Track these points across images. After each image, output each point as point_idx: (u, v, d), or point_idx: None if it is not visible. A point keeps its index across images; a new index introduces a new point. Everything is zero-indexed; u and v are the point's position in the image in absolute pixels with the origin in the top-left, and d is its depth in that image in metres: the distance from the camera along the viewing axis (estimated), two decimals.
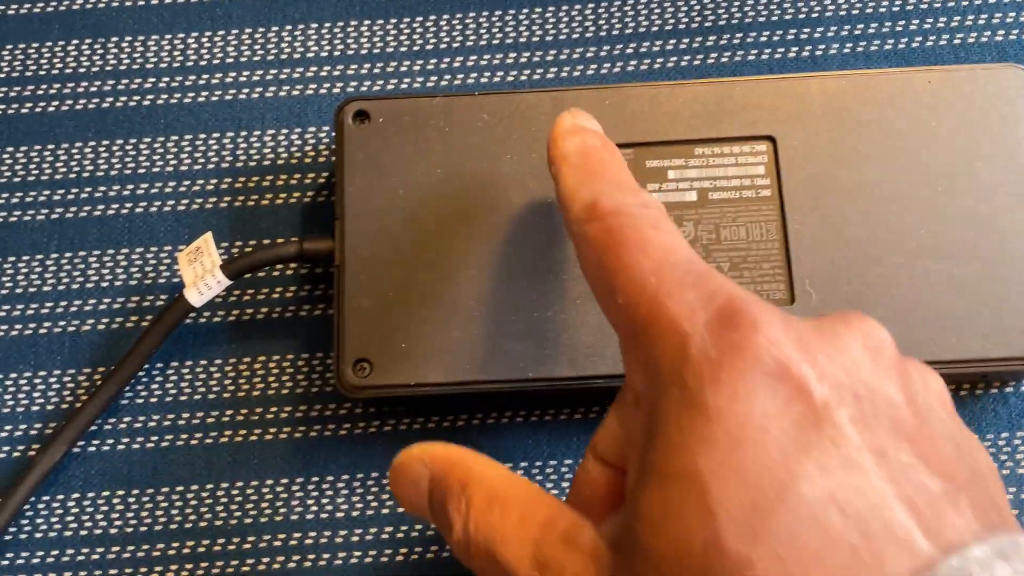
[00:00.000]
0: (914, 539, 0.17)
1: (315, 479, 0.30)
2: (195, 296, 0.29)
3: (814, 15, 0.34)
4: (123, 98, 0.34)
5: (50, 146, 0.34)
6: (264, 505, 0.30)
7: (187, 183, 0.33)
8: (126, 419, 0.31)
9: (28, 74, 0.34)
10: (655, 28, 0.34)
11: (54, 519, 0.30)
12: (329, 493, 0.30)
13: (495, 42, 0.34)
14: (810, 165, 0.29)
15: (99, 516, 0.30)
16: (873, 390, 0.18)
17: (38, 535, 0.30)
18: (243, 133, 0.34)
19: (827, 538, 0.17)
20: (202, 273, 0.29)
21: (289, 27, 0.35)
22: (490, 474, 0.22)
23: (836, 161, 0.29)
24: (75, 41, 0.35)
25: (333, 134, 0.31)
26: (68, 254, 0.32)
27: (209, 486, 0.30)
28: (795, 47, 0.34)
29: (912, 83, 0.30)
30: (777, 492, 0.17)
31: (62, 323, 0.32)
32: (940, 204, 0.29)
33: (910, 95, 0.29)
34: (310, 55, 0.34)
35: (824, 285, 0.28)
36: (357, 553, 0.30)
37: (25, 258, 0.32)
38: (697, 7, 0.34)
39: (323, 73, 0.34)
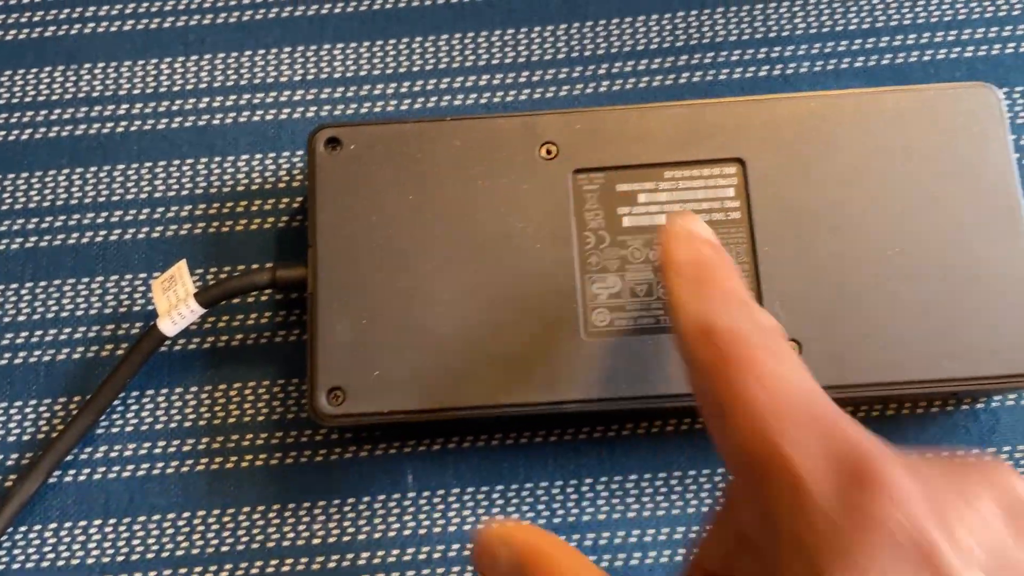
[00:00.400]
0: None
1: (292, 506, 0.30)
2: (168, 326, 0.29)
3: (784, 33, 0.34)
4: (96, 125, 0.34)
5: (23, 174, 0.34)
6: (241, 533, 0.30)
7: (161, 210, 0.33)
8: (102, 448, 0.31)
9: (1, 102, 0.34)
10: (627, 48, 0.34)
11: (31, 550, 0.30)
12: (306, 520, 0.30)
13: (468, 64, 0.34)
14: (779, 187, 0.29)
15: (76, 546, 0.30)
16: (1011, 563, 0.17)
17: (15, 566, 0.30)
18: (217, 159, 0.34)
19: None
20: (176, 302, 0.29)
21: (263, 51, 0.35)
22: (573, 566, 0.21)
23: (805, 183, 0.29)
24: (48, 68, 0.35)
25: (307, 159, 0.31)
26: (43, 283, 0.32)
27: (186, 514, 0.30)
28: (766, 66, 0.34)
29: (881, 103, 0.30)
30: None
31: (37, 352, 0.32)
32: (909, 225, 0.29)
33: (879, 115, 0.30)
34: (284, 79, 0.34)
35: (794, 307, 0.28)
36: None
37: None
38: (669, 27, 0.34)
39: (297, 97, 0.34)
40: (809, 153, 0.29)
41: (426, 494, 0.30)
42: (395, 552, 0.30)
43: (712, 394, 0.20)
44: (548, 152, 0.30)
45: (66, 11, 0.35)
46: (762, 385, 0.19)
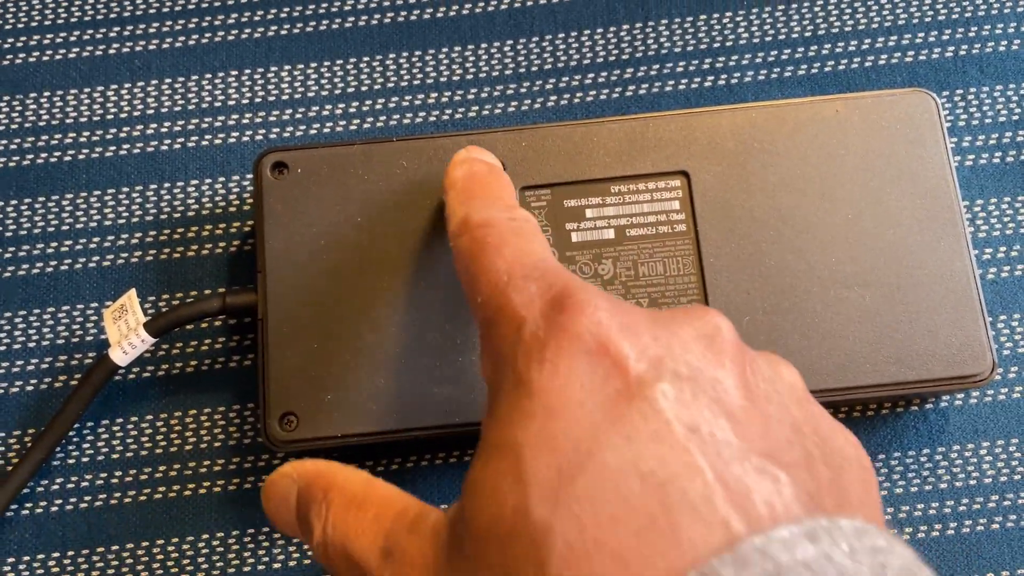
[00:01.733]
0: (716, 512, 0.17)
1: (251, 531, 0.30)
2: (120, 356, 0.29)
3: (728, 43, 0.34)
4: (43, 155, 0.34)
5: None
6: (201, 560, 0.30)
7: (111, 238, 0.33)
8: (58, 480, 0.31)
9: None
10: (573, 63, 0.34)
11: None
12: (266, 544, 0.30)
13: (415, 83, 0.34)
14: (723, 198, 0.30)
15: None
16: (699, 371, 0.19)
17: None
18: (166, 184, 0.33)
19: (626, 504, 0.17)
20: (126, 332, 0.29)
21: (209, 75, 0.35)
22: (352, 478, 0.23)
23: (748, 193, 0.29)
24: None
25: None
26: None
27: (145, 544, 0.30)
28: (711, 76, 0.34)
29: (821, 112, 0.30)
30: (582, 460, 0.18)
31: None
32: (851, 232, 0.29)
33: (819, 124, 0.30)
34: (231, 103, 0.34)
35: (741, 316, 0.29)
36: None
37: None
38: (614, 40, 0.35)
39: (245, 120, 0.34)
40: (752, 163, 0.30)
41: None
42: None
43: (467, 273, 0.23)
44: None
45: (10, 41, 0.35)
46: (502, 256, 0.22)
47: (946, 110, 0.34)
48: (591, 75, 0.34)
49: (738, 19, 0.35)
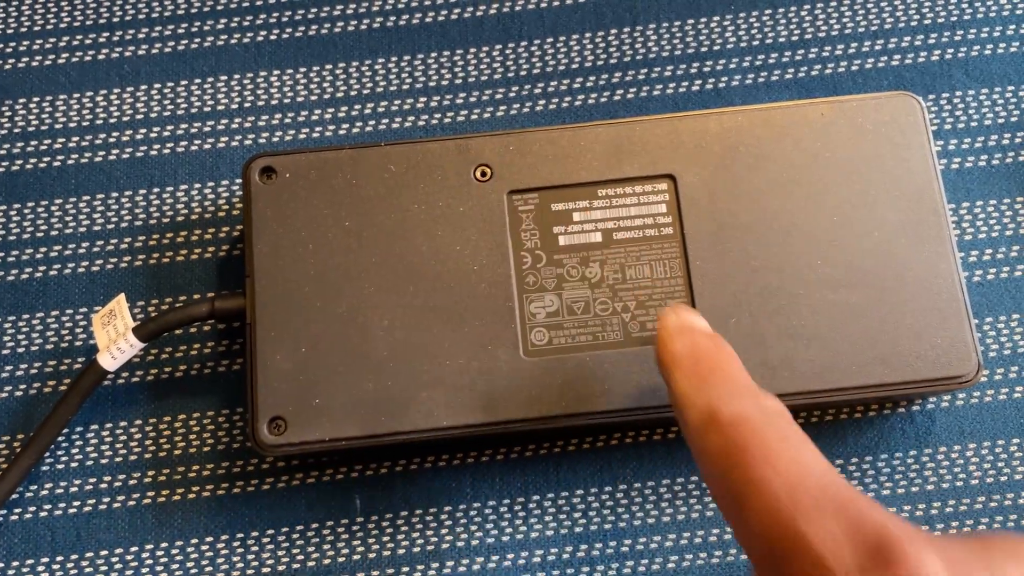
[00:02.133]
0: None
1: (240, 535, 0.30)
2: (108, 361, 0.29)
3: (716, 47, 0.35)
4: (33, 160, 0.34)
5: None
6: (190, 565, 0.30)
7: (100, 243, 0.33)
8: (47, 485, 0.31)
9: None
10: (562, 67, 0.35)
11: None
12: (255, 549, 0.30)
13: (405, 87, 0.35)
14: (709, 201, 0.30)
15: None
16: None
17: None
18: (156, 190, 0.34)
19: None
20: (115, 337, 0.29)
21: (198, 80, 0.35)
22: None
23: (735, 196, 0.30)
24: None
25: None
26: None
27: (134, 549, 0.30)
28: (699, 80, 0.34)
29: (806, 115, 0.30)
30: None
31: None
32: (837, 234, 0.29)
33: (805, 127, 0.30)
34: (220, 107, 0.34)
35: (727, 319, 0.29)
36: None
37: None
38: (602, 45, 0.35)
39: (234, 125, 0.34)
40: (738, 167, 0.30)
41: (374, 518, 0.30)
42: None
43: (725, 482, 0.20)
44: (483, 174, 0.30)
45: None
46: (775, 469, 0.19)
47: (932, 113, 0.34)
48: (580, 79, 0.34)
49: (725, 23, 0.35)
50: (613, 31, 0.35)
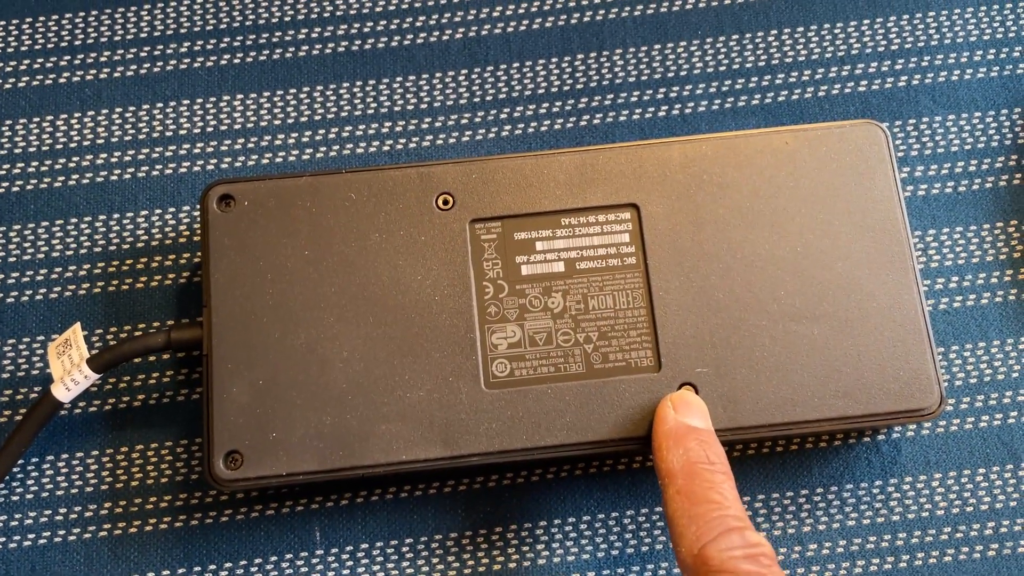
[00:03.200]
0: None
1: (197, 569, 0.30)
2: (63, 392, 0.29)
3: (683, 73, 0.34)
4: None
5: None
6: None
7: (59, 270, 0.32)
8: (1, 518, 0.30)
9: None
10: (528, 92, 0.34)
11: None
12: None
13: (370, 111, 0.34)
14: (673, 231, 0.29)
15: None
16: None
17: None
18: (116, 215, 0.33)
19: None
20: (70, 368, 0.29)
21: (160, 104, 0.34)
22: None
23: (698, 226, 0.29)
24: None
25: None
26: None
27: None
28: (665, 106, 0.34)
29: (771, 144, 0.30)
30: None
31: None
32: (800, 265, 0.29)
33: (769, 156, 0.30)
34: (182, 132, 0.34)
35: (690, 351, 0.28)
36: None
37: None
38: (569, 70, 0.34)
39: (196, 150, 0.34)
40: (702, 196, 0.30)
41: (334, 551, 0.30)
42: None
43: None
44: (445, 202, 0.30)
45: None
46: None
47: (899, 140, 0.34)
48: (545, 105, 0.34)
49: (692, 49, 0.35)
50: (580, 56, 0.35)
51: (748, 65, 0.34)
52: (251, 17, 0.35)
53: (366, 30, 0.35)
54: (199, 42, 0.35)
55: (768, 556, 0.24)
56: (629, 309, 0.29)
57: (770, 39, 0.35)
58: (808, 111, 0.34)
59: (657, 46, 0.35)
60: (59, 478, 0.31)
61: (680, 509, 0.25)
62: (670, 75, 0.34)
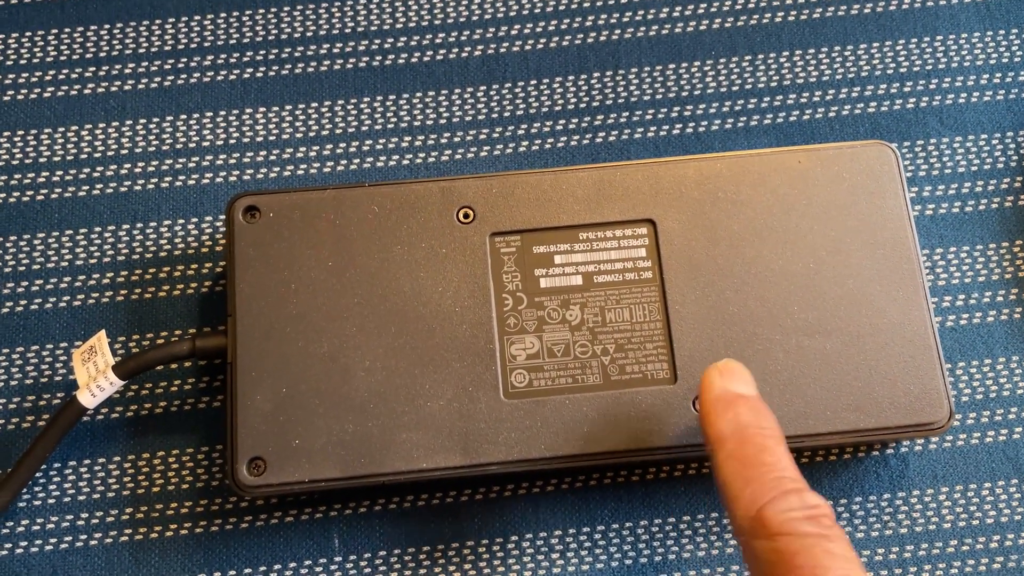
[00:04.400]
0: None
1: (217, 574, 0.30)
2: (88, 398, 0.29)
3: (696, 92, 0.35)
4: (16, 193, 0.34)
5: None
6: None
7: (83, 278, 0.33)
8: (24, 522, 0.31)
9: None
10: (545, 109, 0.35)
11: None
12: None
13: (390, 126, 0.35)
14: (688, 246, 0.30)
15: None
16: None
17: None
18: (139, 225, 0.34)
19: None
20: (95, 374, 0.29)
21: (184, 116, 0.35)
22: None
23: (713, 241, 0.30)
24: None
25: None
26: None
27: None
28: (679, 124, 0.35)
29: (784, 163, 0.31)
30: None
31: None
32: (812, 281, 0.30)
33: (782, 174, 0.31)
34: (206, 144, 0.35)
35: (705, 363, 0.29)
36: None
37: None
38: (585, 88, 0.35)
39: (219, 161, 0.34)
40: (716, 212, 0.30)
41: (352, 557, 0.30)
42: None
43: None
44: (465, 216, 0.31)
45: None
46: None
47: (907, 160, 0.34)
48: (562, 121, 0.35)
49: (706, 68, 0.35)
50: (596, 75, 0.35)
51: (760, 85, 0.35)
52: (274, 32, 0.36)
53: (387, 46, 0.36)
54: (223, 55, 0.35)
55: (828, 517, 0.23)
56: (646, 322, 0.30)
57: (782, 60, 0.36)
58: (819, 131, 0.35)
59: (672, 66, 0.35)
60: (81, 483, 0.31)
61: (734, 472, 0.24)
62: (684, 94, 0.35)
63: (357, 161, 0.34)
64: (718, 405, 0.25)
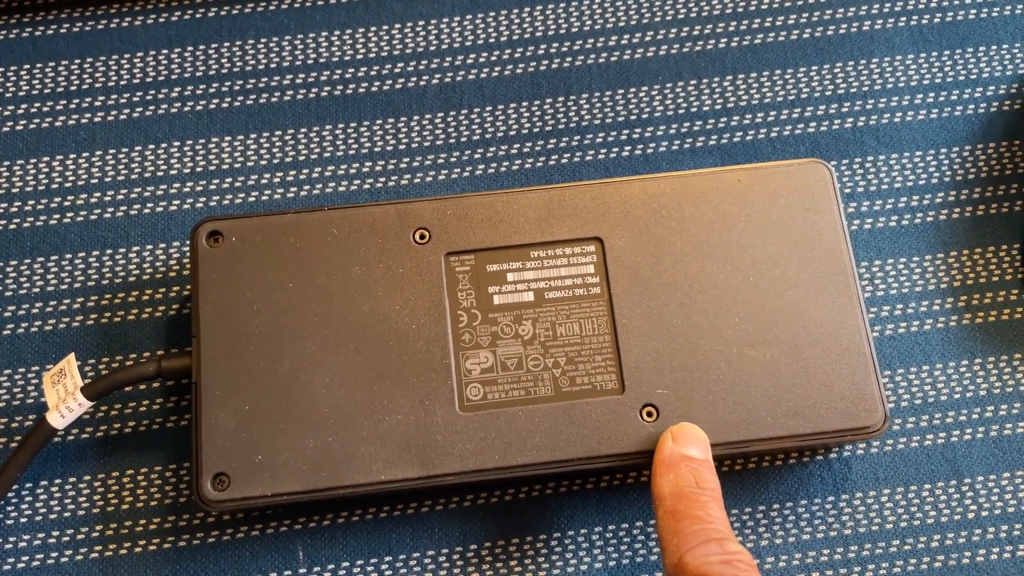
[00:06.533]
0: None
1: None
2: (58, 419, 0.30)
3: (644, 115, 0.37)
4: None
5: None
6: None
7: (53, 303, 0.34)
8: None
9: None
10: (500, 134, 0.37)
11: None
12: None
13: (351, 152, 0.36)
14: (635, 262, 0.32)
15: None
16: None
17: None
18: (108, 251, 0.35)
19: None
20: (64, 396, 0.30)
21: (152, 146, 0.36)
22: None
23: (658, 257, 0.32)
24: None
25: None
26: None
27: None
28: (628, 146, 0.36)
29: (724, 181, 0.33)
30: None
31: None
32: (752, 293, 0.31)
33: (723, 193, 0.32)
34: (173, 172, 0.36)
35: (651, 374, 0.30)
36: None
37: None
38: (538, 113, 0.37)
39: (186, 189, 0.36)
40: (661, 230, 0.32)
41: (317, 569, 0.31)
42: None
43: None
44: (421, 237, 0.32)
45: None
46: None
47: (846, 177, 0.36)
48: (516, 145, 0.36)
49: (653, 93, 0.37)
50: (548, 100, 0.37)
51: (705, 108, 0.37)
52: (238, 64, 0.37)
53: (347, 76, 0.37)
54: (188, 87, 0.37)
55: (746, 562, 0.25)
56: (594, 336, 0.31)
57: (725, 84, 0.37)
58: (761, 151, 0.36)
59: (620, 91, 0.37)
60: (52, 502, 0.32)
61: (667, 526, 0.27)
62: (633, 118, 0.37)
63: (320, 186, 0.36)
64: (662, 466, 0.28)
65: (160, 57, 0.37)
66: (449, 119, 0.37)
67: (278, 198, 0.36)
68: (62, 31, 0.37)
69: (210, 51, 0.37)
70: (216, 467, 0.29)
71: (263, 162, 0.36)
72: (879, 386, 0.30)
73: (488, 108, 0.37)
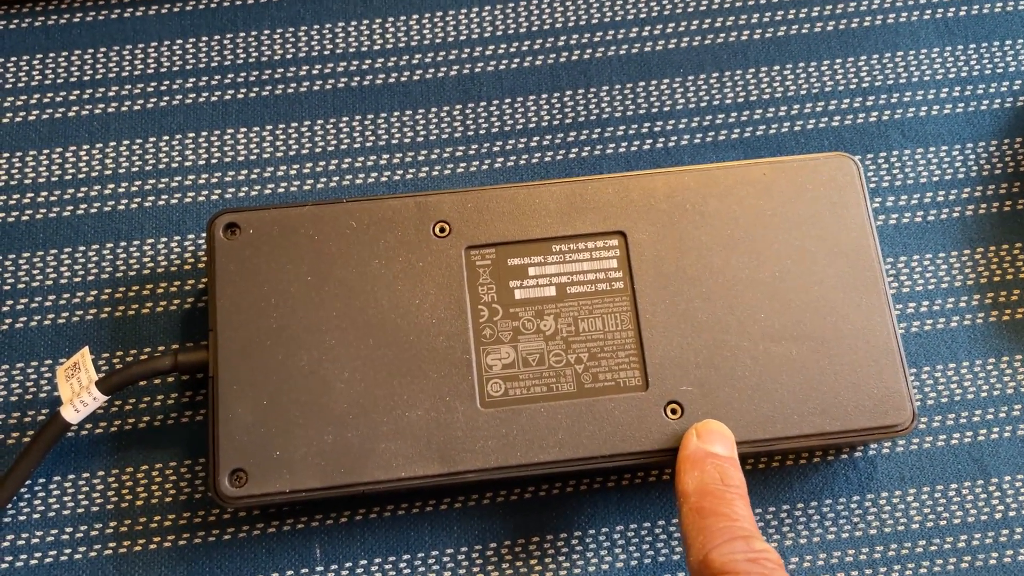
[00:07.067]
0: None
1: None
2: (71, 414, 0.30)
3: (666, 109, 0.36)
4: (1, 215, 0.35)
5: None
6: None
7: (67, 296, 0.34)
8: (8, 537, 0.31)
9: None
10: (519, 126, 0.36)
11: None
12: None
13: (368, 144, 0.36)
14: (658, 257, 0.31)
15: None
16: None
17: None
18: (123, 243, 0.34)
19: None
20: (78, 390, 0.30)
21: (167, 137, 0.36)
22: None
23: (682, 252, 0.31)
24: None
25: None
26: None
27: None
28: (649, 140, 0.36)
29: (749, 175, 0.32)
30: None
31: None
32: (778, 289, 0.31)
33: (748, 186, 0.32)
34: (188, 164, 0.35)
35: (675, 370, 0.30)
36: None
37: None
38: (558, 105, 0.36)
39: (201, 181, 0.35)
40: (684, 224, 0.31)
41: (334, 567, 0.31)
42: None
43: None
44: (441, 230, 0.31)
45: None
46: None
47: (870, 172, 0.36)
48: (536, 138, 0.36)
49: (675, 85, 0.36)
50: (568, 92, 0.36)
51: (728, 101, 0.36)
52: (254, 54, 0.37)
53: (365, 67, 0.37)
54: (204, 78, 0.36)
55: (773, 561, 0.25)
56: (617, 331, 0.30)
57: (748, 77, 0.37)
58: (785, 145, 0.36)
59: (642, 83, 0.36)
60: (66, 498, 0.31)
61: (691, 523, 0.26)
62: (654, 110, 0.36)
63: (337, 179, 0.35)
64: (686, 463, 0.28)
65: (175, 47, 0.37)
66: (468, 111, 0.36)
67: (295, 190, 0.35)
68: (76, 20, 0.37)
69: (226, 41, 0.37)
70: (233, 463, 0.29)
71: (279, 154, 0.36)
72: (907, 384, 0.30)
73: (507, 100, 0.36)
